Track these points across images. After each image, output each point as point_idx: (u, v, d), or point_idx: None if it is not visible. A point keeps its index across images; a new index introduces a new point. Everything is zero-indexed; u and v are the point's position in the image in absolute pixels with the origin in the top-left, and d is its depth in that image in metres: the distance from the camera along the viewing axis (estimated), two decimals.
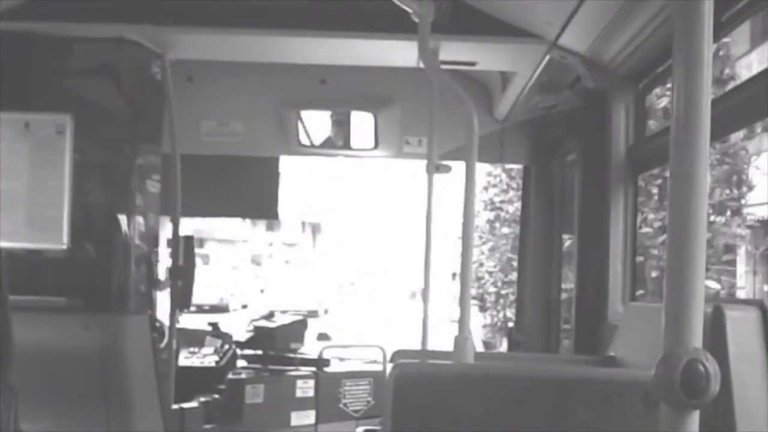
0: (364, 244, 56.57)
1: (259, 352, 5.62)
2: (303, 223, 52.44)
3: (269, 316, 6.13)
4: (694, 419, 1.26)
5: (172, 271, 4.74)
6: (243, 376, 5.38)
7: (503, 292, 18.98)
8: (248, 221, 40.80)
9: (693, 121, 1.30)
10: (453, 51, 4.29)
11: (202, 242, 40.83)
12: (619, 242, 4.16)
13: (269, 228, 46.26)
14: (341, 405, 5.60)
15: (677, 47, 1.34)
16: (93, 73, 4.50)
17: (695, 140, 1.29)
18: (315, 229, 55.42)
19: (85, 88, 4.52)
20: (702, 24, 1.32)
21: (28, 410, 3.39)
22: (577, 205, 4.43)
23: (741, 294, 18.24)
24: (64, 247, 4.29)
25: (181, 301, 4.83)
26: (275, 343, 5.65)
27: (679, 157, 1.30)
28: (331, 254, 53.01)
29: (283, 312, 6.84)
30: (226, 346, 5.97)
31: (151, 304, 4.70)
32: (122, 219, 4.46)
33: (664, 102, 11.77)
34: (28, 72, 4.42)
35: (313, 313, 31.76)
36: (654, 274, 13.32)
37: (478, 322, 21.64)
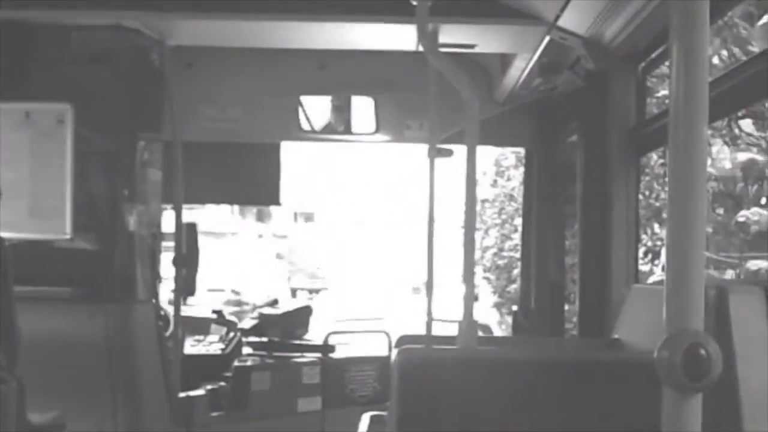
0: (362, 235, 55.76)
1: (265, 339, 5.63)
2: (295, 214, 51.54)
3: (273, 303, 6.14)
4: (697, 402, 1.26)
5: (176, 259, 4.74)
6: (249, 363, 5.39)
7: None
8: (236, 212, 40.26)
9: (692, 102, 1.29)
10: (452, 34, 4.27)
11: None
12: (622, 224, 4.15)
13: (259, 219, 45.50)
14: (347, 391, 5.61)
15: (675, 28, 1.33)
16: (92, 61, 4.50)
17: (694, 121, 1.29)
18: (308, 219, 54.65)
19: (84, 76, 4.51)
20: (699, 4, 1.31)
21: (36, 400, 3.42)
22: (579, 187, 4.42)
23: None
24: (68, 236, 4.30)
25: (186, 288, 4.83)
26: (280, 330, 5.66)
27: (679, 138, 1.30)
28: (325, 246, 51.98)
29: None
30: (232, 334, 5.99)
31: (155, 293, 4.71)
32: (125, 207, 4.46)
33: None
34: (26, 61, 4.42)
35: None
36: None
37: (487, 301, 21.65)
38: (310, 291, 43.32)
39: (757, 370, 2.60)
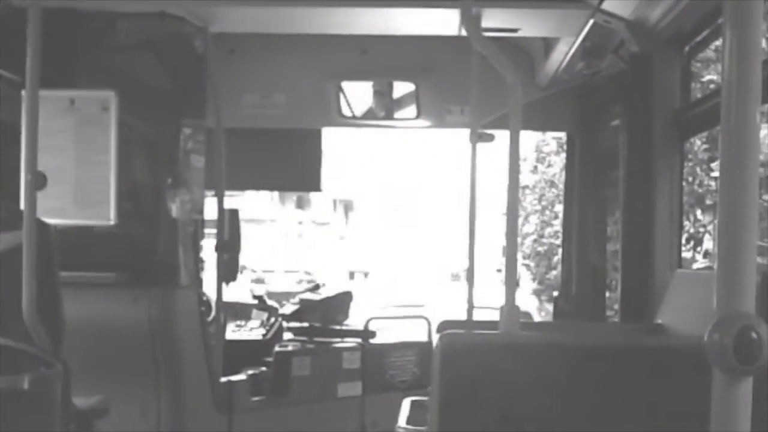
0: (401, 222, 55.56)
1: (305, 324, 5.65)
2: (334, 201, 51.47)
3: (315, 288, 6.16)
4: (748, 385, 1.25)
5: (219, 245, 4.78)
6: (290, 348, 5.41)
7: None
8: (276, 199, 40.35)
9: (744, 83, 1.27)
10: (495, 18, 4.25)
11: None
12: (665, 209, 4.11)
13: (299, 206, 45.58)
14: (387, 376, 5.62)
15: (727, 7, 1.31)
16: (136, 48, 4.53)
17: (746, 102, 1.27)
18: (347, 206, 54.52)
19: (128, 63, 4.55)
20: None
21: (80, 384, 3.45)
22: (622, 172, 4.38)
23: None
24: (112, 222, 4.34)
25: (228, 274, 4.87)
26: (321, 316, 5.68)
27: (730, 120, 1.28)
28: (364, 233, 52.00)
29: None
30: (273, 319, 6.02)
31: (198, 278, 4.74)
32: (168, 194, 4.49)
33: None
34: (72, 49, 4.46)
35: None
36: None
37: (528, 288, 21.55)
38: (365, 274, 44.39)
39: None
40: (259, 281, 30.87)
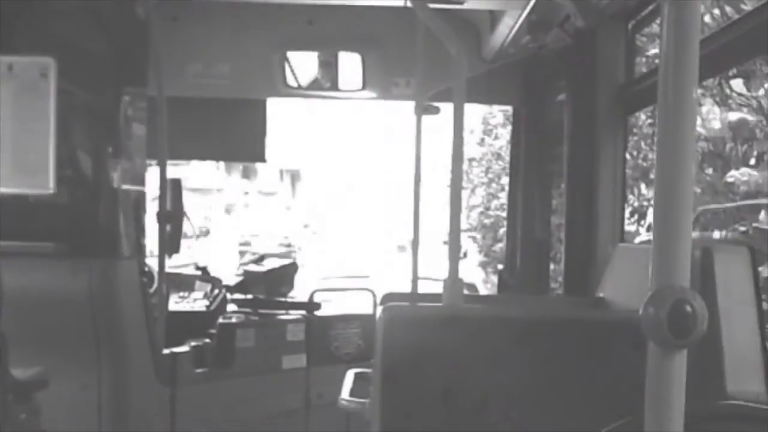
0: (347, 192, 55.55)
1: (249, 296, 5.62)
2: (281, 171, 51.12)
3: (259, 259, 6.13)
4: (682, 358, 1.26)
5: (161, 216, 4.72)
6: (233, 320, 5.38)
7: None
8: (222, 168, 40.16)
9: (682, 60, 1.28)
10: None
11: None
12: (609, 183, 4.15)
13: (245, 176, 45.23)
14: (332, 348, 5.62)
15: None
16: (76, 13, 4.44)
17: (684, 80, 1.28)
18: (294, 177, 54.18)
19: (68, 29, 4.45)
20: None
21: (18, 357, 3.40)
22: (566, 146, 4.41)
23: None
24: (51, 191, 4.26)
25: (170, 245, 4.81)
26: (265, 287, 5.65)
27: (668, 97, 1.28)
28: (310, 204, 52.13)
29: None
30: (216, 291, 5.98)
31: (140, 249, 4.69)
32: (109, 163, 4.42)
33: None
34: (9, 14, 4.35)
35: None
36: None
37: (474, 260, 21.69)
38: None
39: (741, 329, 2.61)
40: (246, 243, 33.14)
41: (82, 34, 4.42)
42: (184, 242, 4.84)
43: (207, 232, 34.34)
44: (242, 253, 31.97)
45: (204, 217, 39.10)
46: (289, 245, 36.31)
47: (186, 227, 4.83)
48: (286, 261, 6.16)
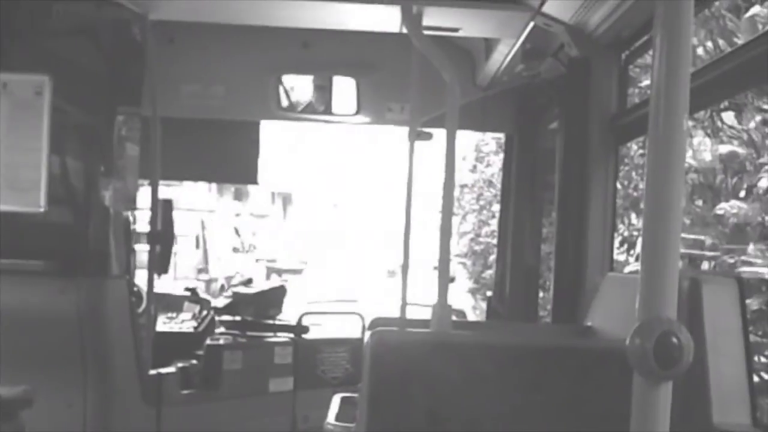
0: (338, 216, 55.51)
1: (238, 318, 5.61)
2: (273, 194, 51.14)
3: (248, 282, 6.12)
4: (667, 390, 1.26)
5: (151, 236, 4.71)
6: (221, 342, 5.37)
7: None
8: (214, 190, 40.22)
9: (673, 92, 1.29)
10: (436, 16, 4.25)
11: None
12: (599, 212, 4.16)
13: (237, 198, 45.23)
14: (319, 372, 5.61)
15: (659, 17, 1.32)
16: (72, 33, 4.45)
17: (675, 111, 1.29)
18: (286, 200, 54.21)
19: (64, 49, 4.47)
20: None
21: (5, 374, 3.39)
22: (557, 174, 4.42)
23: None
24: (42, 209, 4.26)
25: (159, 265, 4.81)
26: (254, 309, 5.64)
27: (658, 128, 1.29)
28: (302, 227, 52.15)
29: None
30: (204, 312, 5.97)
31: (129, 269, 4.68)
32: (101, 182, 4.43)
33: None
34: (6, 32, 4.36)
35: None
36: None
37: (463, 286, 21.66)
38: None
39: (728, 361, 2.61)
40: (272, 260, 35.44)
41: (77, 53, 4.43)
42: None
43: (253, 248, 35.79)
44: (270, 270, 33.14)
45: (252, 233, 39.96)
46: (305, 262, 39.88)
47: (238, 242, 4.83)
48: (275, 284, 6.15)
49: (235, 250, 32.69)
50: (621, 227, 13.17)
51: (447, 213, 3.28)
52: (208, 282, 24.95)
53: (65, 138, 4.42)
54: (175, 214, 4.89)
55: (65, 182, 4.43)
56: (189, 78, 5.35)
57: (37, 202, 4.24)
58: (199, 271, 26.76)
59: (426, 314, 3.27)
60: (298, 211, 54.06)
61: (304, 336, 5.65)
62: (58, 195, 4.33)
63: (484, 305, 6.54)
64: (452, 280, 3.27)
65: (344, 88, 5.40)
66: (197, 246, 28.25)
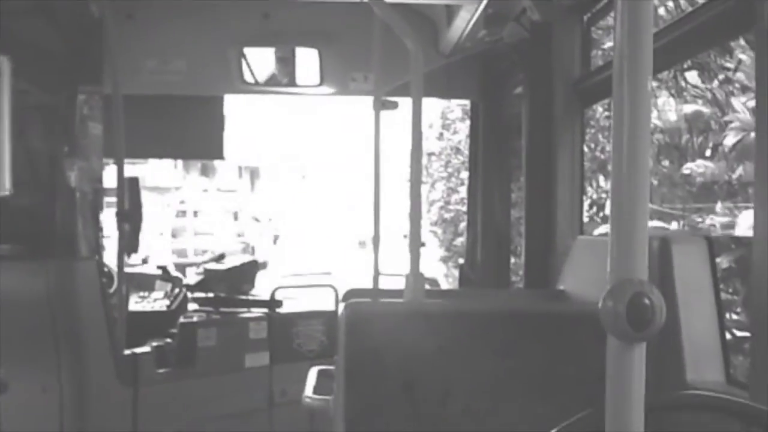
0: (307, 189, 55.39)
1: (211, 294, 5.59)
2: (240, 168, 50.84)
3: (220, 258, 6.09)
4: (641, 351, 1.27)
5: (119, 215, 4.68)
6: (195, 319, 5.35)
7: None
8: (180, 166, 39.94)
9: (636, 53, 1.28)
10: None
11: None
12: (567, 175, 4.17)
13: (203, 173, 44.91)
14: (295, 345, 5.61)
15: None
16: (29, 12, 4.38)
17: (638, 72, 1.28)
18: (253, 174, 53.93)
19: (21, 28, 4.39)
20: None
21: None
22: (524, 139, 4.43)
23: None
24: (6, 193, 4.20)
25: (129, 244, 4.78)
26: (226, 286, 5.62)
27: (622, 89, 1.29)
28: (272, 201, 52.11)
29: None
30: (177, 290, 5.94)
31: (98, 250, 4.64)
32: (65, 163, 4.38)
33: None
34: None
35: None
36: None
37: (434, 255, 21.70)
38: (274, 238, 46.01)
39: (700, 319, 2.64)
40: (240, 234, 36.19)
41: (35, 32, 4.37)
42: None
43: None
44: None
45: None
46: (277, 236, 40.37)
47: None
48: (247, 259, 6.13)
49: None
50: (589, 190, 13.27)
51: (415, 182, 3.27)
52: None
53: (27, 119, 4.36)
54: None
55: (29, 164, 4.38)
56: (149, 54, 5.28)
57: (1, 185, 4.18)
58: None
59: (399, 284, 3.28)
60: (266, 185, 53.80)
61: (278, 310, 5.64)
62: (22, 178, 4.27)
63: (456, 273, 6.56)
64: (422, 244, 3.26)
65: (307, 59, 5.36)
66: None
